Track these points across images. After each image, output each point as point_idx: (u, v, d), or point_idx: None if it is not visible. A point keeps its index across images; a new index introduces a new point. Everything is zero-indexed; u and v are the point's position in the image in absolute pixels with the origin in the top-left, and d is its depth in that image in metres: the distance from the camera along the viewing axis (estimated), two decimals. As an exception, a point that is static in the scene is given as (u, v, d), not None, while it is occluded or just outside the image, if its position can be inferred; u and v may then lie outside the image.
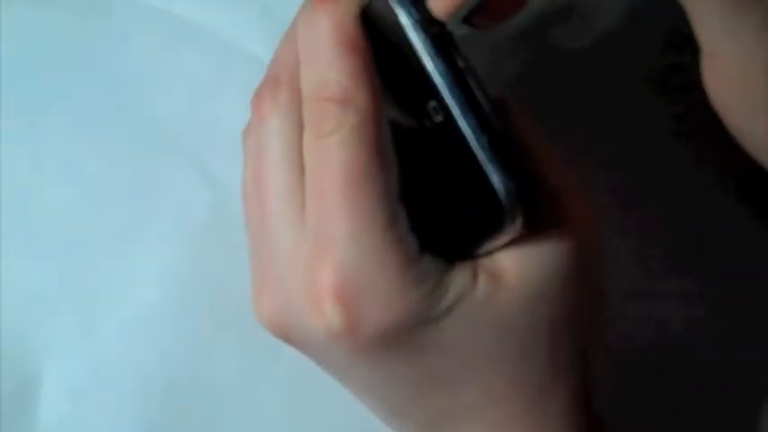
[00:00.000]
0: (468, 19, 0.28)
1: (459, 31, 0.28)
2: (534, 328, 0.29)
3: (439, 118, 0.27)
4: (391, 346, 0.28)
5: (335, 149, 0.27)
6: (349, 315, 0.27)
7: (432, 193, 0.29)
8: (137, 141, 0.39)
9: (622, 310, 0.37)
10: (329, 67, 0.28)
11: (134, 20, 0.40)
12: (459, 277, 0.28)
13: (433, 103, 0.27)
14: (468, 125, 0.26)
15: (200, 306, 0.38)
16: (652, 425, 0.36)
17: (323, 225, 0.28)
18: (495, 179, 0.26)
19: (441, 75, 0.26)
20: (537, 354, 0.29)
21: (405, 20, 0.27)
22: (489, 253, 0.29)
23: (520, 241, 0.28)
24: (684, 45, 0.38)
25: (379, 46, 0.28)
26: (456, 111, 0.26)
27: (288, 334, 0.29)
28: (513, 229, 0.27)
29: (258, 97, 0.30)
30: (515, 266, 0.28)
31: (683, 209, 0.38)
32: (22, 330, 0.37)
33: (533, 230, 0.28)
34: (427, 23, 0.27)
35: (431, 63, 0.26)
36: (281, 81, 0.29)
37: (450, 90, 0.26)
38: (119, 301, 0.37)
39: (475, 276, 0.28)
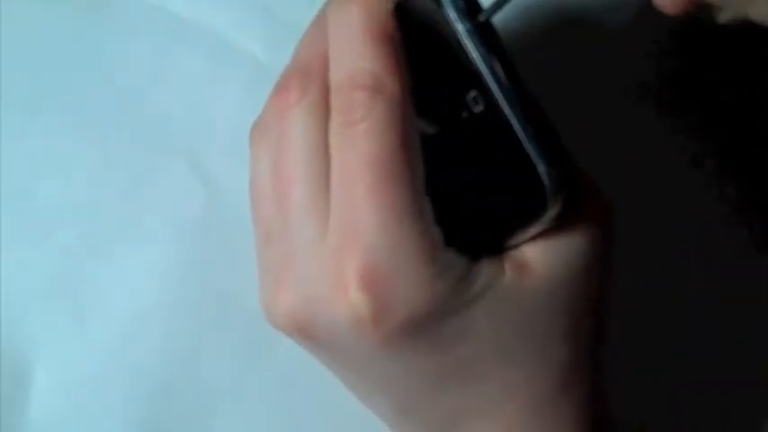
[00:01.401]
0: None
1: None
2: (557, 321, 0.29)
3: (479, 108, 0.27)
4: (415, 337, 0.28)
5: (364, 137, 0.27)
6: (376, 303, 0.27)
7: (459, 185, 0.29)
8: (132, 139, 0.38)
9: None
10: (360, 55, 0.28)
11: (133, 18, 0.39)
12: (486, 268, 0.28)
13: (473, 94, 0.27)
14: (515, 114, 0.26)
15: (194, 304, 0.37)
16: (652, 424, 0.37)
17: (349, 213, 0.27)
18: (541, 167, 0.26)
19: (486, 64, 0.26)
20: (557, 347, 0.29)
21: (449, 9, 0.27)
22: (517, 245, 0.29)
23: (545, 234, 0.28)
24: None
25: (411, 38, 0.28)
26: (502, 100, 0.26)
27: (309, 329, 0.29)
28: (550, 218, 0.27)
29: (283, 87, 0.29)
30: (541, 258, 0.29)
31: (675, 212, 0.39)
32: (15, 328, 0.36)
33: (558, 223, 0.28)
34: (472, 12, 0.27)
35: (476, 52, 0.26)
36: (310, 72, 0.29)
37: (497, 79, 0.26)
38: (112, 300, 0.37)
39: (501, 268, 0.28)
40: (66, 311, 0.36)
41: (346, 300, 0.27)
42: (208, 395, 0.36)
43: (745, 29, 0.28)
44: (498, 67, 0.26)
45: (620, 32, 0.40)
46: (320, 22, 0.30)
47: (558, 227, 0.28)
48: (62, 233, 0.37)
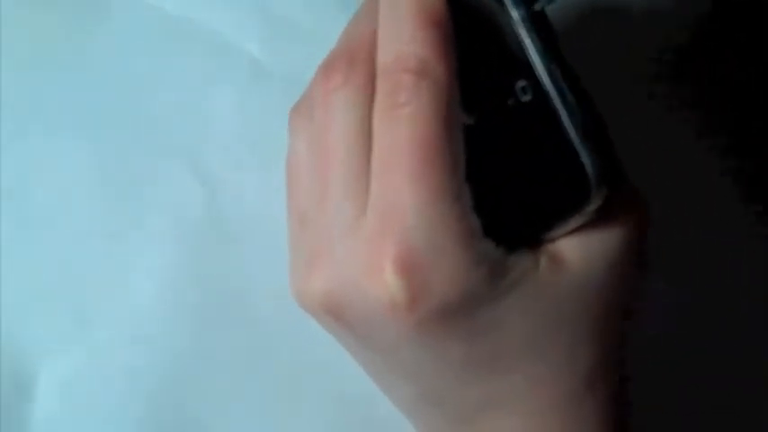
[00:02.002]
0: None
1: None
2: (587, 318, 0.29)
3: (527, 98, 0.27)
4: (448, 323, 0.28)
5: (408, 121, 0.27)
6: (413, 286, 0.27)
7: (500, 175, 0.29)
8: (131, 139, 0.38)
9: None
10: (409, 39, 0.28)
11: (131, 19, 0.39)
12: (522, 258, 0.28)
13: (522, 83, 0.27)
14: (565, 106, 0.26)
15: (195, 305, 0.37)
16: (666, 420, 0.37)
17: (389, 196, 0.27)
18: (587, 160, 0.26)
19: (539, 54, 0.27)
20: (587, 342, 0.30)
21: None
22: (555, 238, 0.29)
23: (582, 229, 0.29)
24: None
25: (462, 23, 0.28)
26: (553, 91, 0.26)
27: (342, 311, 0.29)
28: (592, 210, 0.27)
29: (330, 69, 0.29)
30: (577, 254, 0.29)
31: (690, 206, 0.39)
32: (17, 329, 0.36)
33: (596, 217, 0.28)
34: (528, 1, 0.27)
35: (530, 41, 0.27)
36: (356, 55, 0.29)
37: (549, 70, 0.27)
38: (113, 300, 0.36)
39: (537, 259, 0.28)
40: (68, 312, 0.36)
41: (382, 283, 0.27)
42: (209, 395, 0.36)
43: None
44: (551, 58, 0.27)
45: (628, 27, 0.41)
46: (370, 6, 0.30)
47: (594, 223, 0.28)
48: (62, 233, 0.37)
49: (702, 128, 0.40)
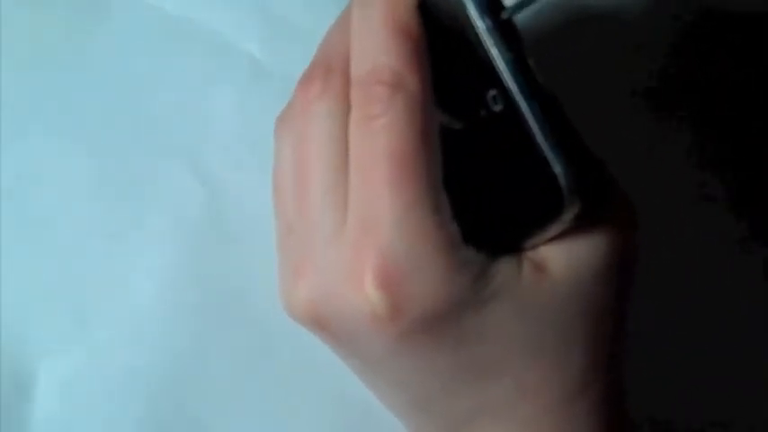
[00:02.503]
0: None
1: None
2: (574, 322, 0.29)
3: (498, 107, 0.27)
4: (433, 332, 0.28)
5: (383, 132, 0.27)
6: (392, 299, 0.27)
7: (478, 184, 0.29)
8: (131, 139, 0.38)
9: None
10: (382, 51, 0.28)
11: (131, 19, 0.39)
12: (504, 265, 0.28)
13: (492, 93, 0.27)
14: (532, 114, 0.26)
15: (194, 305, 0.37)
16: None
17: (367, 208, 0.27)
18: (557, 168, 0.26)
19: (505, 63, 0.26)
20: (574, 348, 0.29)
21: (471, 6, 0.27)
22: (535, 246, 0.29)
23: (565, 235, 0.28)
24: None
25: (434, 35, 0.28)
26: (520, 99, 0.26)
27: (325, 321, 0.29)
28: (568, 219, 0.27)
29: (307, 81, 0.29)
30: (560, 259, 0.28)
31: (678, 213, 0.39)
32: (16, 329, 0.36)
33: (580, 224, 0.28)
34: (494, 11, 0.27)
35: (496, 50, 0.26)
36: (332, 66, 0.29)
37: (515, 78, 0.26)
38: (113, 300, 0.37)
39: (519, 266, 0.28)
40: (68, 312, 0.36)
41: (363, 294, 0.27)
42: (208, 395, 0.36)
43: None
44: (517, 67, 0.26)
45: (623, 35, 0.40)
46: (346, 16, 0.30)
47: (578, 229, 0.28)
48: (62, 235, 0.37)
49: (692, 135, 0.39)
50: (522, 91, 0.26)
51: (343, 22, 0.30)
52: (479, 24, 0.27)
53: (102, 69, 0.39)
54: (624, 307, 0.30)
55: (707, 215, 0.39)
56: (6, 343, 0.36)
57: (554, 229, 0.28)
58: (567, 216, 0.27)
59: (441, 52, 0.28)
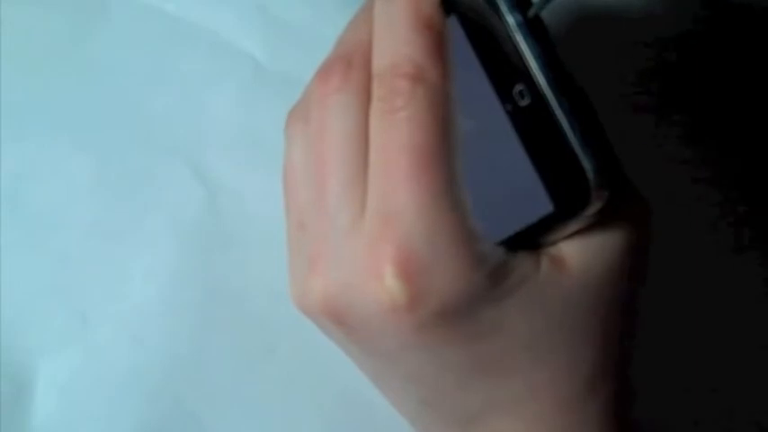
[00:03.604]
0: None
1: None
2: (589, 319, 0.29)
3: (524, 102, 0.27)
4: (448, 326, 0.28)
5: (404, 125, 0.27)
6: (412, 290, 0.27)
7: (496, 178, 0.29)
8: (130, 139, 0.38)
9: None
10: (404, 43, 0.28)
11: (129, 17, 0.39)
12: (523, 260, 0.28)
13: (519, 87, 0.27)
14: (562, 108, 0.26)
15: (194, 305, 0.37)
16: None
17: (387, 200, 0.27)
18: (586, 163, 0.26)
19: (536, 58, 0.26)
20: (588, 345, 0.29)
21: (501, 3, 0.27)
22: (555, 241, 0.29)
23: (583, 231, 0.28)
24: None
25: (458, 28, 0.28)
26: (550, 94, 0.26)
27: (342, 315, 0.29)
28: (591, 214, 0.27)
29: (326, 74, 0.29)
30: (578, 255, 0.29)
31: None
32: (15, 329, 0.36)
33: (598, 220, 0.28)
34: (523, 6, 0.27)
35: (526, 46, 0.26)
36: (353, 59, 0.29)
37: (545, 73, 0.26)
38: (112, 300, 0.36)
39: (537, 262, 0.28)
40: (67, 312, 0.36)
41: (382, 286, 0.27)
42: (208, 395, 0.36)
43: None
44: (547, 62, 0.26)
45: (621, 35, 0.41)
46: (367, 8, 0.30)
47: (596, 225, 0.28)
48: (61, 235, 0.37)
49: (689, 138, 0.40)
50: (553, 86, 0.26)
51: (363, 17, 0.30)
52: (509, 20, 0.27)
53: (102, 70, 0.39)
54: (636, 304, 0.30)
55: (706, 215, 0.40)
56: (6, 343, 0.35)
57: (577, 223, 0.28)
58: (591, 211, 0.27)
59: (463, 46, 0.28)
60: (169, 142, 0.38)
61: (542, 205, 0.28)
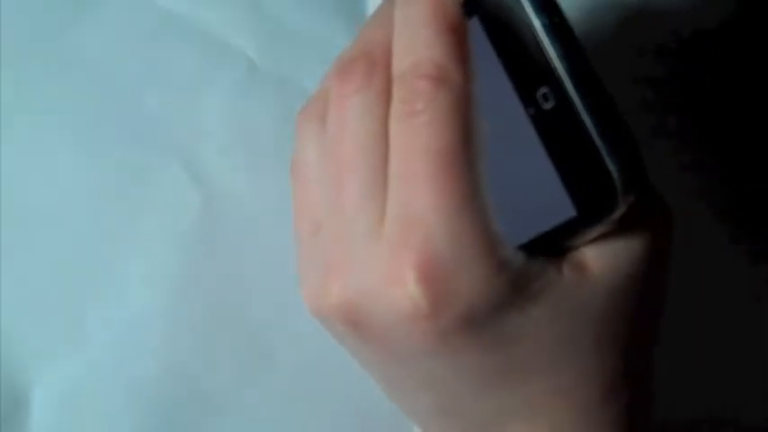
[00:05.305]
0: None
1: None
2: (611, 324, 0.29)
3: (549, 105, 0.26)
4: (471, 332, 0.27)
5: (426, 127, 0.27)
6: (436, 294, 0.26)
7: (518, 182, 0.28)
8: (123, 140, 0.37)
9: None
10: (425, 44, 0.27)
11: (122, 16, 0.38)
12: (545, 267, 0.28)
13: (543, 90, 0.26)
14: (589, 112, 0.26)
15: (192, 309, 0.36)
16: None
17: (408, 204, 0.27)
18: (612, 167, 0.26)
19: (563, 60, 0.26)
20: (609, 350, 0.29)
21: (528, 5, 0.26)
22: (578, 246, 0.28)
23: (606, 237, 0.28)
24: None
25: (481, 30, 0.28)
26: (577, 98, 0.26)
27: (361, 321, 0.28)
28: (615, 219, 0.27)
29: (346, 74, 0.28)
30: (600, 261, 0.28)
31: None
32: (11, 336, 0.35)
33: (621, 225, 0.28)
34: (550, 8, 0.26)
35: (553, 48, 0.26)
36: (376, 60, 0.28)
37: (573, 76, 0.26)
38: (108, 305, 0.36)
39: (560, 268, 0.28)
40: (63, 318, 0.35)
41: (404, 291, 0.27)
42: (207, 402, 0.35)
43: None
44: (574, 65, 0.26)
45: (621, 37, 0.41)
46: (387, 6, 0.29)
47: (619, 230, 0.28)
48: (56, 238, 0.36)
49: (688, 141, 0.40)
50: (580, 89, 0.26)
51: (383, 16, 0.29)
52: (536, 22, 0.26)
53: (94, 68, 0.38)
54: (657, 311, 0.30)
55: (704, 215, 0.40)
56: (2, 353, 0.34)
57: (601, 228, 0.27)
58: (617, 215, 0.26)
59: (486, 47, 0.28)
60: (163, 143, 0.37)
61: (565, 209, 0.27)
